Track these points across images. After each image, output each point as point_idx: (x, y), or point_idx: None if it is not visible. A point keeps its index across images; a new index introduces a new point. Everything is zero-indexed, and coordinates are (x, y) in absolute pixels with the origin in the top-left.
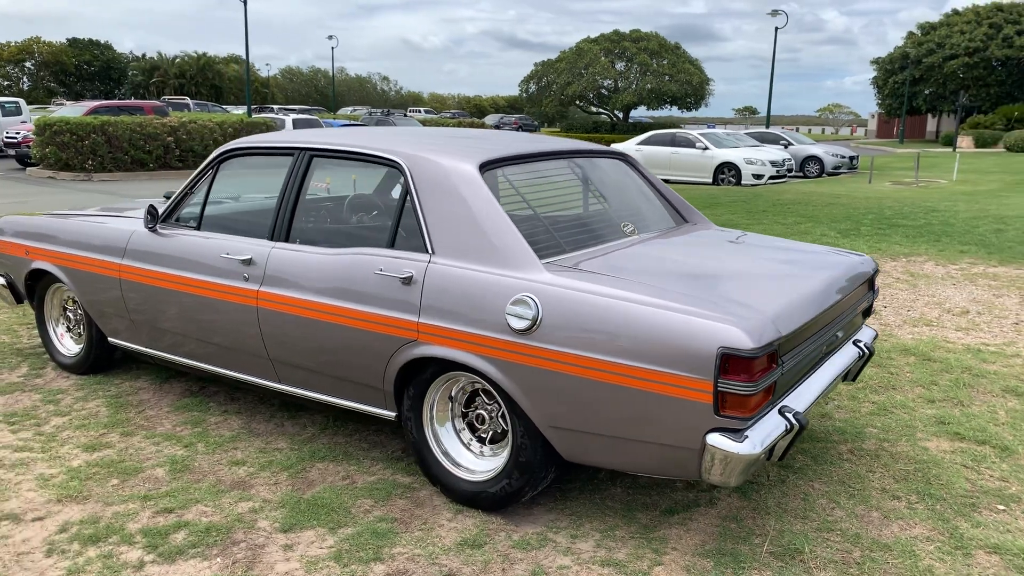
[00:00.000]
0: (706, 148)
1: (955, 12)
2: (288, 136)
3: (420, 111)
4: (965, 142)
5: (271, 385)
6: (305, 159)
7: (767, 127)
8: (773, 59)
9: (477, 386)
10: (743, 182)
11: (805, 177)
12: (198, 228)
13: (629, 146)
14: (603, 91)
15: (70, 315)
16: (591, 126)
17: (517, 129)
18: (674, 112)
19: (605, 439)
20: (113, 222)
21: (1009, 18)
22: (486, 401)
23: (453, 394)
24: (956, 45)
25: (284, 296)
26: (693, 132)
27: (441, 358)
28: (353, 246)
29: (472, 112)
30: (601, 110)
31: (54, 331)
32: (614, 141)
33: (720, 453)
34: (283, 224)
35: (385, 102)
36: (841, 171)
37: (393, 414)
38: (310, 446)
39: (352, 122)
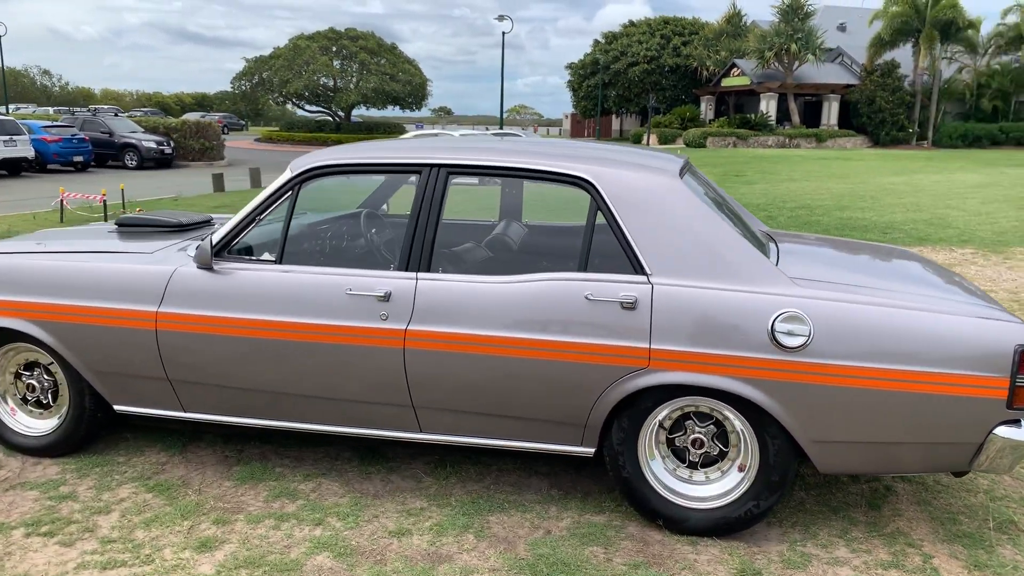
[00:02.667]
0: None
1: (631, 23)
2: (404, 151)
3: (116, 110)
4: (652, 139)
5: (402, 435)
6: (439, 177)
7: (501, 127)
8: (502, 64)
9: (690, 410)
10: None
11: None
12: (279, 262)
13: None
14: (325, 89)
15: (33, 383)
16: (314, 126)
17: (223, 128)
18: (396, 112)
19: (873, 446)
20: (120, 260)
21: (676, 30)
22: (698, 424)
23: (662, 421)
24: (636, 53)
25: (448, 334)
26: (455, 134)
27: (678, 384)
28: (525, 271)
29: (162, 111)
30: (321, 109)
31: (1, 407)
32: (340, 141)
33: (1008, 443)
34: (423, 251)
35: (49, 99)
36: None
37: (592, 450)
38: (458, 499)
39: (51, 123)
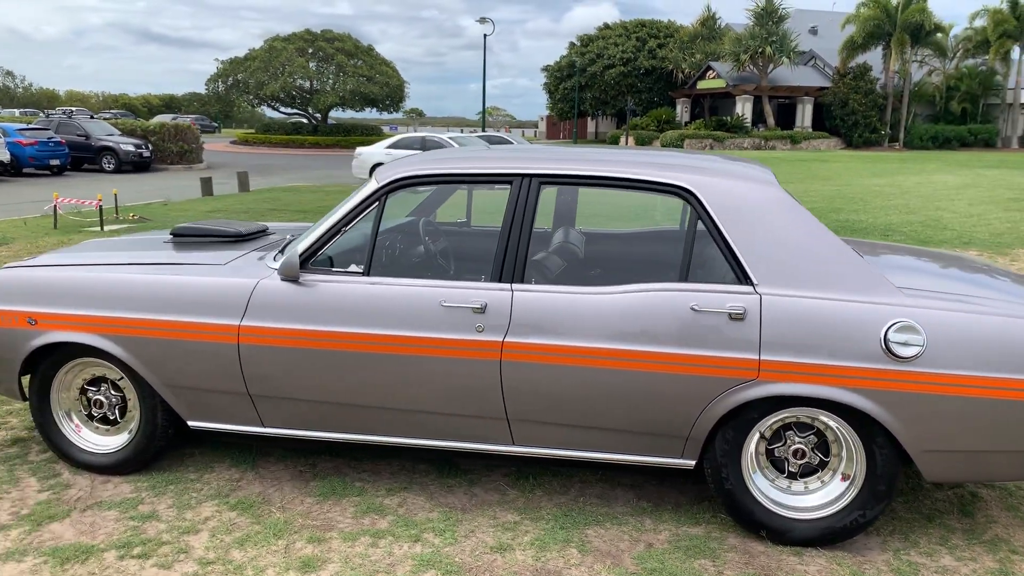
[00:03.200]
0: None
1: (607, 26)
2: (492, 161)
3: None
4: (630, 141)
5: (494, 448)
6: (531, 187)
7: (483, 130)
8: (484, 67)
9: (790, 420)
10: None
11: None
12: (367, 274)
13: (378, 150)
14: (301, 91)
15: (100, 399)
16: (291, 127)
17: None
18: (372, 114)
19: (981, 454)
20: (195, 272)
21: (652, 32)
22: (799, 435)
23: (763, 432)
24: (612, 56)
25: (546, 346)
26: (443, 136)
27: (788, 396)
28: (623, 283)
29: (131, 113)
30: (297, 111)
31: (65, 424)
32: (318, 144)
33: None
34: (516, 262)
35: (12, 100)
36: None
37: (692, 463)
38: (549, 512)
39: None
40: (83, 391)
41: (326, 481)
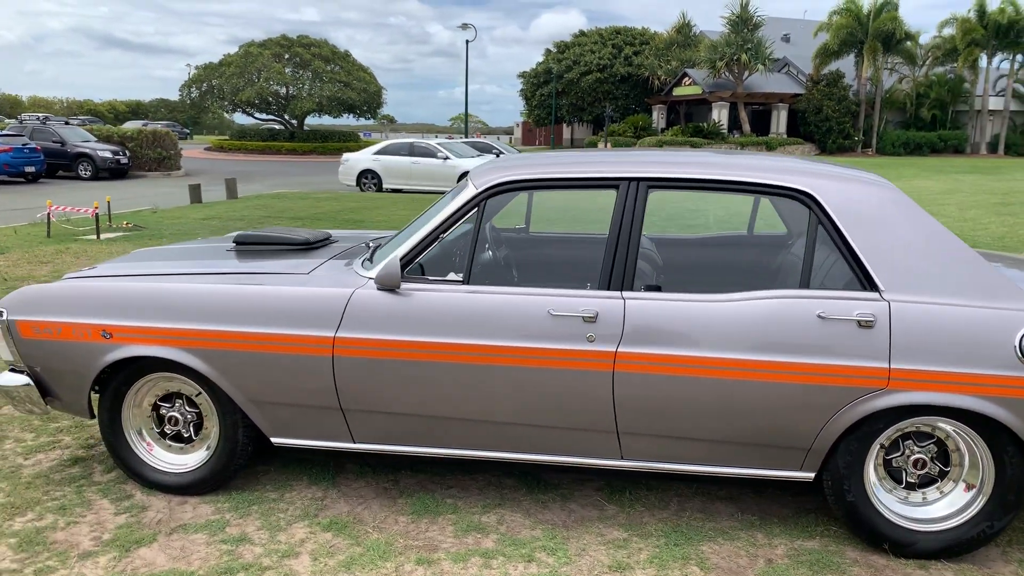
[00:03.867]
0: (447, 158)
1: (582, 33)
2: (596, 165)
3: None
4: (608, 148)
5: (600, 463)
6: (639, 191)
7: (466, 136)
8: (467, 73)
9: (910, 430)
10: None
11: None
12: (466, 282)
13: (365, 156)
14: (277, 97)
15: (175, 415)
16: (267, 134)
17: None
18: (350, 120)
19: None
20: (281, 282)
21: (627, 40)
22: (918, 444)
23: (883, 442)
24: (589, 63)
25: (662, 356)
26: (432, 142)
27: (916, 404)
28: (738, 289)
29: (102, 118)
30: (273, 117)
31: (136, 443)
32: (295, 150)
33: None
34: (625, 269)
35: None
36: None
37: (811, 475)
38: (656, 528)
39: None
40: (155, 407)
41: (415, 498)
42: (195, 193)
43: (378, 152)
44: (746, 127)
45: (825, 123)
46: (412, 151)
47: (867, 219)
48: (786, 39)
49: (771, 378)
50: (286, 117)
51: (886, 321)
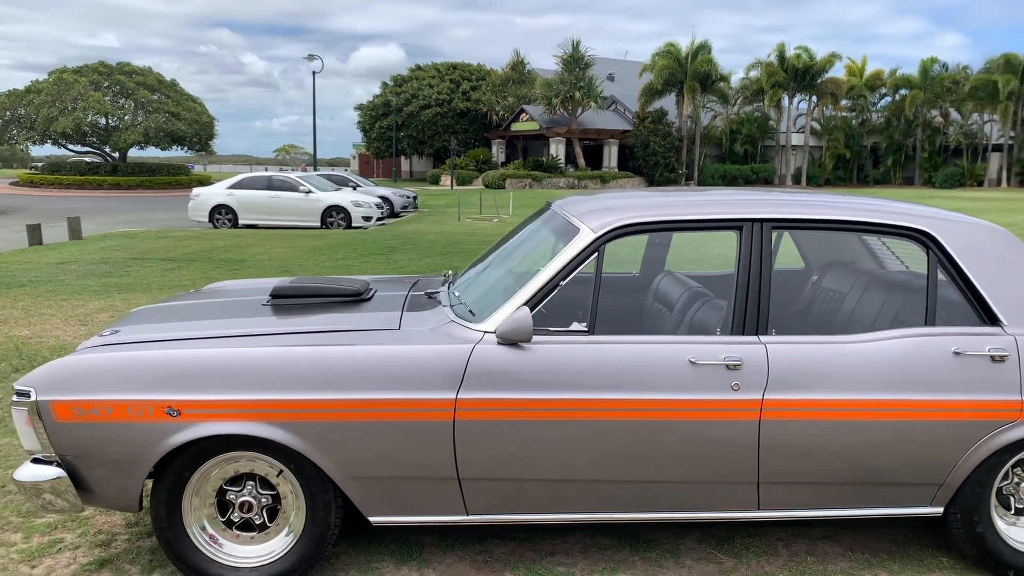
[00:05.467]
0: (310, 191)
1: (419, 67)
2: (717, 206)
3: None
4: (448, 181)
5: (731, 515)
6: (764, 232)
7: (314, 168)
8: (314, 104)
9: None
10: (353, 224)
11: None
12: (591, 331)
13: (218, 191)
14: (97, 128)
15: (247, 500)
16: (85, 167)
17: None
18: (178, 153)
19: None
20: (372, 339)
21: (464, 75)
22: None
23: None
24: (428, 96)
25: (807, 401)
26: (292, 175)
27: None
28: (864, 329)
29: None
30: (90, 149)
31: (198, 536)
32: (119, 184)
33: None
34: (759, 313)
35: None
36: (408, 210)
37: (940, 510)
38: (783, 574)
39: None
40: (219, 493)
41: (522, 569)
42: (35, 234)
43: (233, 186)
44: (581, 161)
45: (652, 157)
46: (271, 185)
47: (985, 256)
48: (611, 78)
49: (910, 416)
50: (106, 149)
51: (1015, 354)
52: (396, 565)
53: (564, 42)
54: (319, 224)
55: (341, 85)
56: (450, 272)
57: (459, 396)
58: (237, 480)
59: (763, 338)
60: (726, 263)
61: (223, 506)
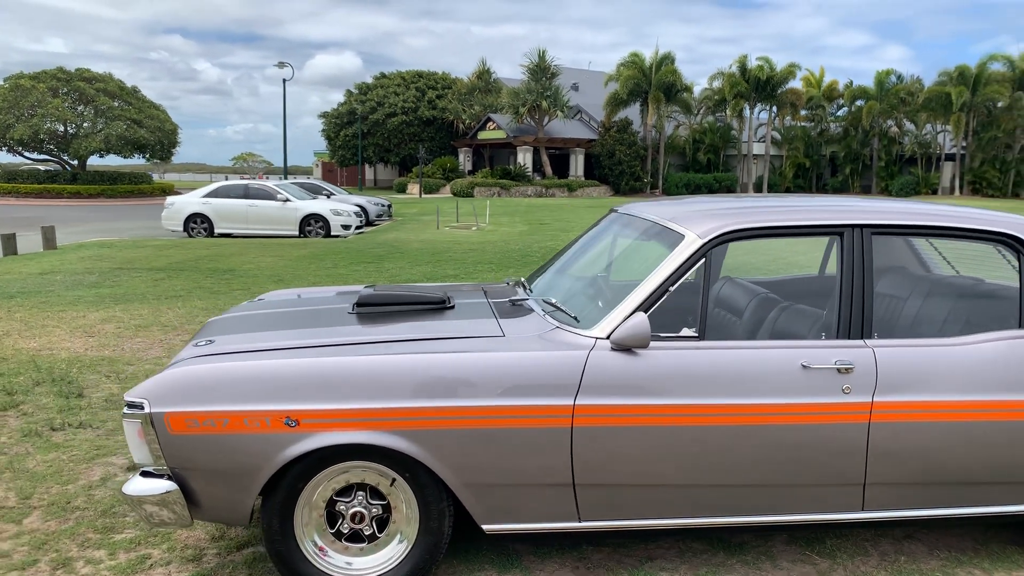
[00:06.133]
0: (287, 200)
1: (383, 75)
2: (817, 212)
3: None
4: (415, 189)
5: (834, 517)
6: (864, 238)
7: (284, 177)
8: (284, 112)
9: None
10: (332, 233)
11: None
12: (701, 337)
13: (193, 199)
14: (55, 136)
15: (358, 511)
16: (44, 176)
17: None
18: (139, 161)
19: None
20: (486, 346)
21: (430, 84)
22: None
23: None
24: (394, 104)
25: (914, 403)
26: (269, 184)
27: None
28: (960, 332)
29: None
30: (48, 157)
31: (309, 548)
32: (79, 193)
33: None
34: (863, 317)
35: None
36: (383, 219)
37: None
38: (883, 575)
39: None
40: (329, 504)
41: (625, 574)
42: (9, 244)
43: (208, 195)
44: (548, 170)
45: (618, 166)
46: (248, 193)
47: None
48: (575, 88)
49: (1013, 416)
50: (65, 157)
51: None
52: (499, 573)
53: (530, 51)
54: (297, 233)
55: (297, 93)
56: (511, 280)
57: (577, 402)
58: (347, 491)
59: (868, 342)
60: (749, 270)
61: (331, 517)
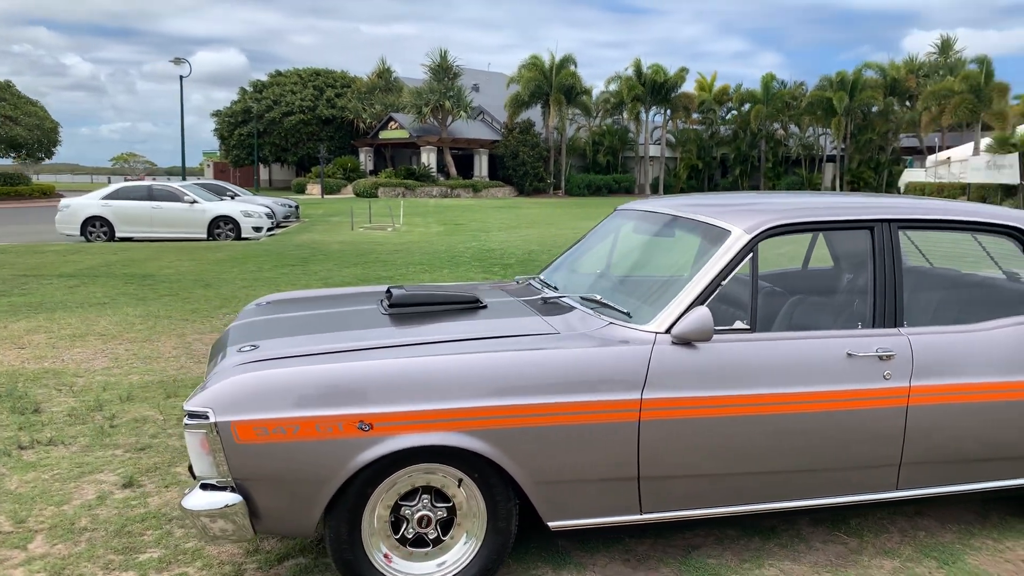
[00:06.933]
0: (195, 201)
1: (279, 73)
2: (851, 209)
3: None
4: (315, 190)
5: (865, 497)
6: (892, 232)
7: (183, 179)
8: (182, 111)
9: None
10: (243, 236)
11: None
12: (753, 329)
13: (91, 201)
14: None
15: (425, 515)
16: None
17: None
18: (6, 161)
19: None
20: (549, 343)
21: (328, 82)
22: None
23: None
24: (291, 103)
25: (947, 386)
26: (174, 185)
27: None
28: (979, 318)
29: None
30: None
31: (376, 556)
32: None
33: None
34: (896, 306)
35: None
36: (291, 220)
37: None
38: (914, 549)
39: None
40: (394, 509)
41: (675, 563)
42: None
43: (108, 196)
44: (452, 170)
45: (522, 167)
46: (152, 195)
47: None
48: (476, 88)
49: None
50: None
51: None
52: (555, 569)
53: (431, 51)
54: (205, 236)
55: (178, 91)
56: (521, 278)
57: (644, 396)
58: (410, 495)
59: (902, 330)
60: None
61: (394, 523)
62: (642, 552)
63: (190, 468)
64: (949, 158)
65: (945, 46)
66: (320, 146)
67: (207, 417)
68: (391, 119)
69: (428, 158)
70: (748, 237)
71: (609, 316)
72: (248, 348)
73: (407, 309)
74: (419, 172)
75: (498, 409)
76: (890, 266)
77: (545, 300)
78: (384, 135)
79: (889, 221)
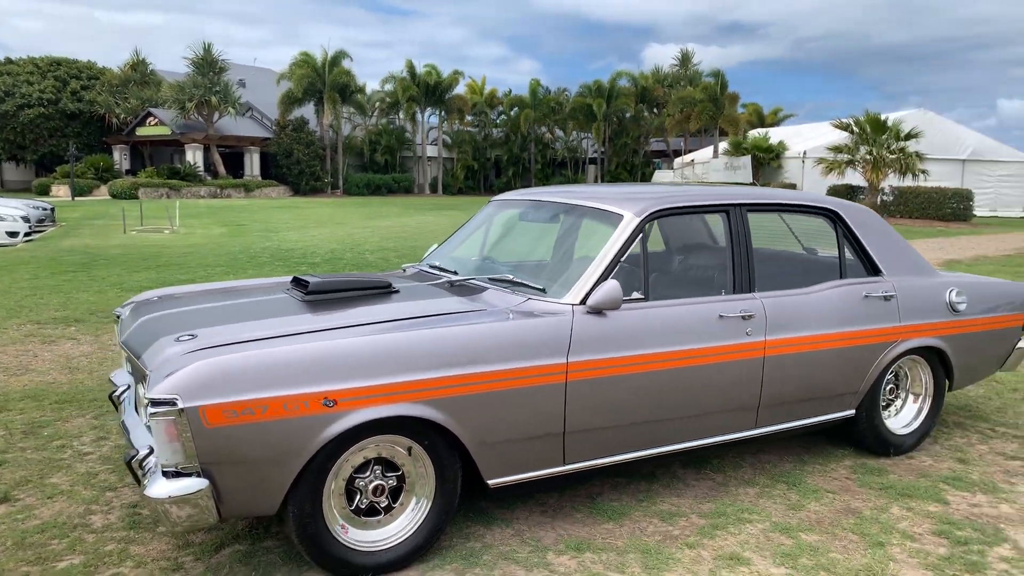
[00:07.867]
0: None
1: (9, 60)
2: (712, 196)
3: None
4: (62, 191)
5: (733, 436)
6: (742, 214)
7: None
8: None
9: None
10: None
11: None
12: (647, 298)
13: None
14: None
15: (378, 484)
16: None
17: None
18: None
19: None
20: (485, 317)
21: (71, 72)
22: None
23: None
24: (28, 95)
25: (791, 339)
26: None
27: (918, 347)
28: (812, 283)
29: None
30: None
31: (336, 528)
32: None
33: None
34: (749, 276)
35: None
36: (46, 224)
37: (852, 412)
38: (778, 475)
39: None
40: (350, 481)
41: (588, 507)
42: None
43: None
44: (221, 169)
45: (297, 166)
46: None
47: (870, 228)
48: (243, 84)
49: (850, 343)
50: None
51: (895, 295)
52: (486, 526)
53: (194, 43)
54: None
55: None
56: (407, 266)
57: (569, 360)
58: (363, 467)
59: (756, 294)
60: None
61: (348, 494)
62: (553, 503)
63: (128, 462)
64: (693, 160)
65: (685, 59)
66: (67, 143)
67: (174, 404)
68: (150, 114)
69: (194, 156)
70: (638, 220)
71: (525, 293)
72: (187, 337)
73: (325, 296)
74: (184, 171)
75: (449, 379)
76: (743, 241)
77: (452, 283)
78: (142, 132)
79: (740, 205)
